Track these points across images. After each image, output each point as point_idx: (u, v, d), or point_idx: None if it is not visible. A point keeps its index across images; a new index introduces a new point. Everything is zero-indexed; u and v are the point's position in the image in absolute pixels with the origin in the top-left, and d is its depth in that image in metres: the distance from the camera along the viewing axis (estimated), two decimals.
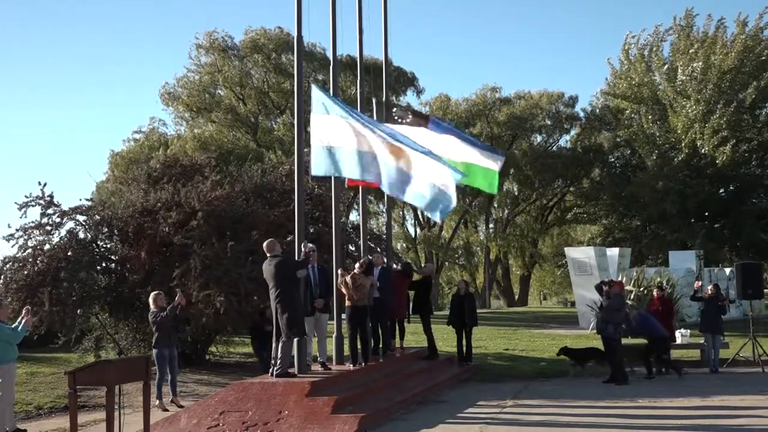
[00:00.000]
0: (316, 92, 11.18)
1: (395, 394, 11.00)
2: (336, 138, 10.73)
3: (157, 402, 11.51)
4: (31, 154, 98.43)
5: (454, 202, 9.97)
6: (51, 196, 14.56)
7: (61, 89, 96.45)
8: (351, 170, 10.81)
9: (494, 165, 12.66)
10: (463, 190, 41.83)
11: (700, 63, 30.69)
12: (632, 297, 20.07)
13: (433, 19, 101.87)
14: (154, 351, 11.69)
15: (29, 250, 14.24)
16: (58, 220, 14.69)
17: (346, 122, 10.69)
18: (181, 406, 11.34)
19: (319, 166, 10.85)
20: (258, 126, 35.55)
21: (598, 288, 13.99)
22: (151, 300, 12.01)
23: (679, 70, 31.79)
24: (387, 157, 10.37)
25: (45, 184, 14.49)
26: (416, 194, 10.21)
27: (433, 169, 10.03)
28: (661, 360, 13.84)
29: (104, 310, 15.16)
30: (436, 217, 10.61)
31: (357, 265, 12.04)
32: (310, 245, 11.54)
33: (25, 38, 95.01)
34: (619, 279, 21.32)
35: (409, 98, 38.12)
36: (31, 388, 13.45)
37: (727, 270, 26.84)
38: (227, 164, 17.45)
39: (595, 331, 13.93)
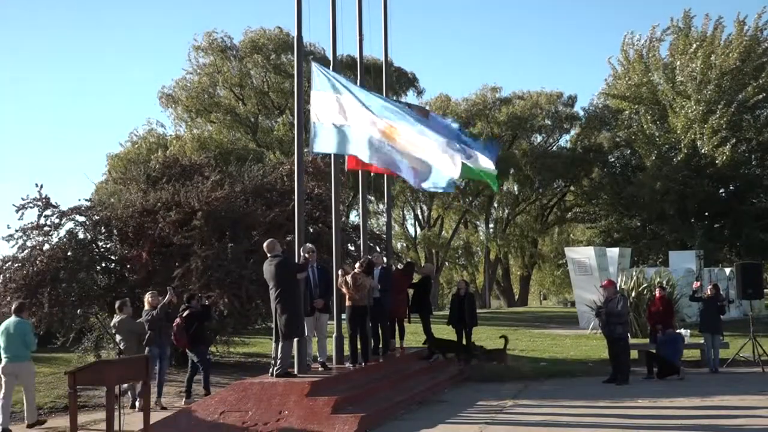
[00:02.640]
0: (316, 69, 11.14)
1: (395, 394, 10.99)
2: (336, 115, 10.70)
3: (156, 401, 11.51)
4: (30, 155, 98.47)
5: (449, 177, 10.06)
6: (48, 198, 14.55)
7: (60, 90, 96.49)
8: (350, 148, 10.80)
9: (490, 165, 12.59)
10: (463, 191, 42.01)
11: (700, 63, 30.71)
12: (632, 298, 20.07)
13: (433, 19, 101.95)
14: (146, 350, 11.66)
15: (28, 250, 14.22)
16: (56, 220, 14.69)
17: (346, 100, 10.69)
18: (164, 408, 11.35)
19: (318, 144, 10.82)
20: (258, 126, 35.52)
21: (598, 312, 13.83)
22: (145, 299, 12.03)
23: (677, 70, 31.82)
24: (381, 136, 10.41)
25: (42, 186, 14.49)
26: (416, 172, 10.29)
27: (428, 147, 10.14)
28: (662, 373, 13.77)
29: (103, 310, 15.15)
30: (441, 188, 10.65)
31: (357, 264, 12.04)
32: (309, 245, 11.53)
33: (24, 39, 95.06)
34: (620, 279, 21.36)
35: (410, 98, 38.15)
36: None
37: (727, 270, 26.84)
38: (227, 164, 17.44)
39: (594, 331, 13.92)
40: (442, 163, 10.08)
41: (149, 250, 14.30)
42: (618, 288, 18.89)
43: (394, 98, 22.70)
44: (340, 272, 11.77)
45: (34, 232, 14.41)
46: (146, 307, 11.93)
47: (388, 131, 10.42)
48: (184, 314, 11.81)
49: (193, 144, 31.89)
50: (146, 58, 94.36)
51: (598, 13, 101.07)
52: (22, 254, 14.18)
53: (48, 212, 14.56)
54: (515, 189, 44.31)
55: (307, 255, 11.06)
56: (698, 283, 16.21)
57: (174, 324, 11.81)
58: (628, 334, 13.39)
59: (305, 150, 11.59)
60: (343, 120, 10.67)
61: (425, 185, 10.48)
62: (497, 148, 13.36)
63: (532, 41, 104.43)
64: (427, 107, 39.83)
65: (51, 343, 16.41)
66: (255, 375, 11.92)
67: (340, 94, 10.76)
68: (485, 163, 11.84)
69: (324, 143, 10.83)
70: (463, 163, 10.27)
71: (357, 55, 14.06)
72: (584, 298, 22.50)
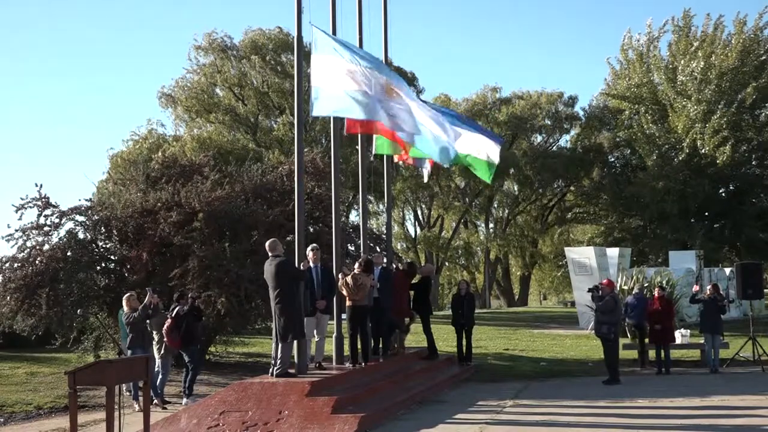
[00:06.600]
0: (318, 33, 11.09)
1: (395, 394, 10.99)
2: (337, 79, 10.68)
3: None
4: (30, 154, 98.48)
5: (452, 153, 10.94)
6: (47, 198, 14.53)
7: (60, 90, 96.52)
8: (351, 110, 10.84)
9: (494, 154, 12.62)
10: (463, 191, 42.00)
11: (701, 63, 30.68)
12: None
13: (433, 19, 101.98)
14: (129, 352, 11.57)
15: (28, 250, 14.20)
16: (56, 220, 14.67)
17: (347, 64, 10.71)
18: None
19: (319, 107, 10.83)
20: (257, 126, 35.50)
21: (593, 295, 13.81)
22: (124, 301, 11.93)
23: (678, 69, 31.80)
24: (385, 97, 10.67)
25: (41, 186, 14.46)
26: (424, 129, 10.85)
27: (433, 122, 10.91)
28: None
29: (103, 311, 15.14)
30: (444, 161, 11.46)
31: (357, 264, 12.02)
32: (313, 245, 11.52)
33: (25, 39, 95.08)
34: (620, 279, 21.35)
35: None
36: (31, 388, 13.44)
37: (727, 270, 26.84)
38: (226, 164, 17.42)
39: (593, 332, 13.93)
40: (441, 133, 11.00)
41: (149, 250, 14.28)
42: (617, 289, 18.91)
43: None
44: (340, 275, 11.76)
45: (33, 232, 14.40)
46: (125, 309, 11.80)
47: (388, 90, 10.75)
48: (173, 314, 11.79)
49: (193, 144, 31.84)
50: (149, 58, 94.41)
51: (598, 13, 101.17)
52: (22, 254, 14.16)
53: (47, 212, 14.54)
54: (515, 189, 44.29)
55: (309, 254, 11.06)
56: (697, 286, 16.23)
57: (165, 325, 11.73)
58: (614, 336, 13.28)
59: (306, 116, 11.59)
60: (344, 84, 10.66)
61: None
62: (502, 139, 13.42)
63: (532, 41, 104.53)
64: None
65: (49, 343, 16.43)
66: (255, 375, 11.92)
67: (342, 58, 10.76)
68: (489, 149, 11.96)
69: (324, 106, 10.83)
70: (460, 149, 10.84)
71: None
72: (584, 298, 22.48)
